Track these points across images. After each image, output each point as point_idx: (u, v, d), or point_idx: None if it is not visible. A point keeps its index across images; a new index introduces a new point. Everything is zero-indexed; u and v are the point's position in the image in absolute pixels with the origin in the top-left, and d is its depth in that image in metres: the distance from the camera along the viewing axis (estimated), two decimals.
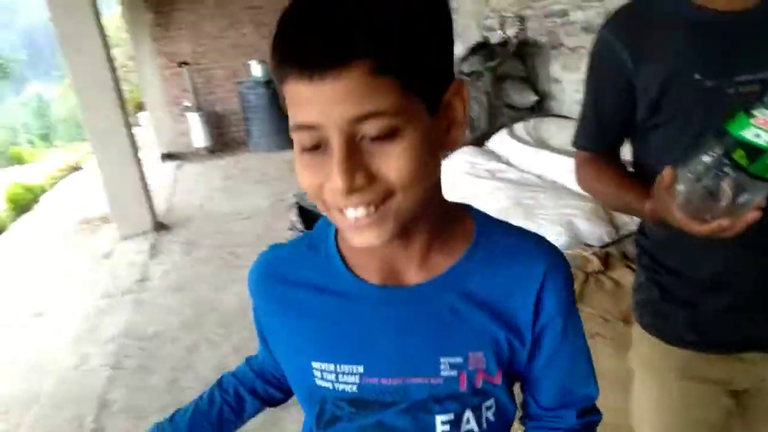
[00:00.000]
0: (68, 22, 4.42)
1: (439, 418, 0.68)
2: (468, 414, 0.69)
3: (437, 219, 0.67)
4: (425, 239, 0.67)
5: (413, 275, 0.68)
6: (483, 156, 3.48)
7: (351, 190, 0.55)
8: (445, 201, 0.69)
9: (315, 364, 0.70)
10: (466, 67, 4.20)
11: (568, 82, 3.89)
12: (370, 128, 0.54)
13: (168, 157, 8.40)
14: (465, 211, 0.72)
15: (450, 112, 0.61)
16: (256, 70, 7.99)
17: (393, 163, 0.56)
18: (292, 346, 0.74)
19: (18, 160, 14.10)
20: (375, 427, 0.70)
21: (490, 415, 0.71)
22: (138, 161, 5.03)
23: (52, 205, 7.57)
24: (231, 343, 3.12)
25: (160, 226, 5.28)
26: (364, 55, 0.52)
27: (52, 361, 3.22)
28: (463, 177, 3.29)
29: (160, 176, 7.17)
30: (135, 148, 5.01)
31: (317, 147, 0.56)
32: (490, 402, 0.70)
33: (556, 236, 2.43)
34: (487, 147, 3.71)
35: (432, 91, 0.59)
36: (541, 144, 3.29)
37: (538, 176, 3.03)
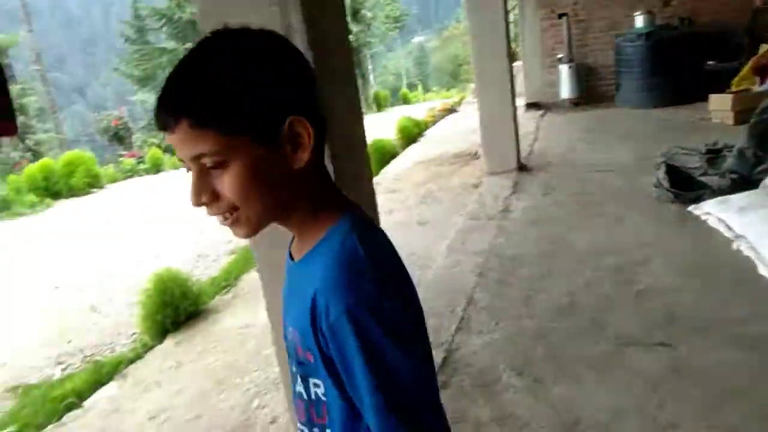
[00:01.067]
0: None
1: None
2: (300, 380, 0.85)
3: (304, 217, 0.82)
4: (297, 230, 0.85)
5: (298, 255, 0.85)
6: None
7: (197, 204, 0.76)
8: (319, 204, 0.82)
9: None
10: None
11: None
12: (206, 162, 0.73)
13: (532, 105, 8.80)
14: (337, 216, 0.81)
15: (293, 139, 0.75)
16: (639, 21, 7.63)
17: (226, 185, 0.74)
18: None
19: (405, 101, 16.52)
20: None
21: (319, 392, 0.82)
22: (514, 106, 5.49)
23: (432, 138, 8.81)
24: (583, 279, 3.31)
25: (522, 167, 5.71)
26: (185, 114, 0.71)
27: (432, 259, 3.93)
28: None
29: (524, 123, 7.60)
30: (513, 93, 5.46)
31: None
32: (317, 381, 0.81)
33: None
34: None
35: (259, 129, 0.73)
36: None
37: None
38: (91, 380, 3.11)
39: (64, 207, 8.90)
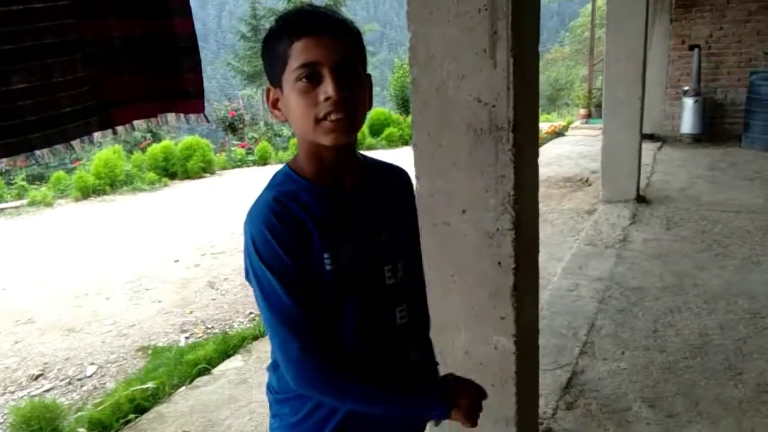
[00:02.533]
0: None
1: None
2: None
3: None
4: (351, 158, 1.07)
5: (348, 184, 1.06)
6: None
7: (340, 94, 0.92)
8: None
9: None
10: None
11: None
12: (352, 70, 0.96)
13: (648, 136, 8.46)
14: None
15: (371, 89, 1.04)
16: None
17: (356, 90, 0.97)
18: None
19: None
20: None
21: None
22: (640, 135, 5.32)
23: (540, 160, 8.65)
24: (716, 320, 3.17)
25: (641, 199, 5.52)
26: (354, 36, 1.00)
27: (546, 279, 3.88)
28: None
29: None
30: (641, 122, 5.30)
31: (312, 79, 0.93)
32: None
33: None
34: None
35: (364, 67, 1.03)
36: None
37: None
38: (220, 350, 3.31)
39: (180, 187, 9.49)
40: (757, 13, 7.73)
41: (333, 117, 0.93)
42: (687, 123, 8.12)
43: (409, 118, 13.44)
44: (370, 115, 12.75)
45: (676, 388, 2.58)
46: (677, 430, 2.31)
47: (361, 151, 1.12)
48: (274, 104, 1.02)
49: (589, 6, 17.61)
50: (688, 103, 8.02)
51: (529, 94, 1.81)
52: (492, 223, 1.77)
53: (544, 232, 5.15)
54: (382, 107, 14.52)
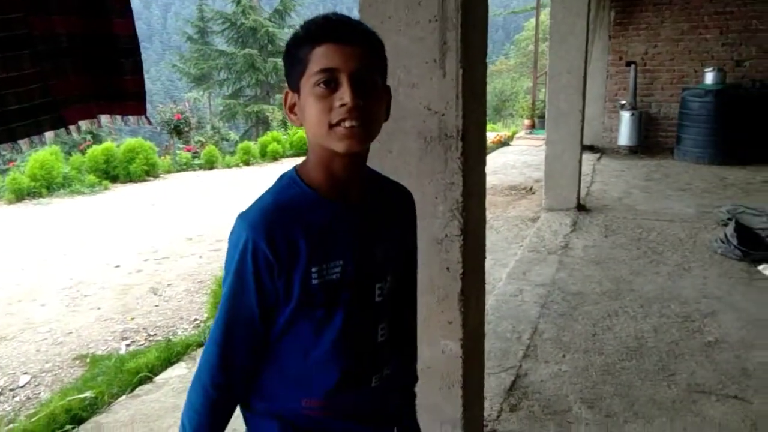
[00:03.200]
0: (563, 14, 5.11)
1: None
2: None
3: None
4: (360, 169, 1.05)
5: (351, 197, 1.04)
6: None
7: (357, 102, 0.92)
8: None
9: None
10: None
11: None
12: (371, 77, 0.96)
13: (588, 148, 8.79)
14: None
15: (389, 100, 1.04)
16: (709, 77, 7.63)
17: (374, 99, 0.96)
18: None
19: None
20: None
21: None
22: (581, 146, 5.53)
23: (486, 169, 8.85)
24: (650, 323, 3.32)
25: (581, 207, 5.73)
26: (377, 45, 0.99)
27: (491, 284, 3.97)
28: None
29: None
30: (582, 133, 5.51)
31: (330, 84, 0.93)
32: None
33: None
34: None
35: (385, 80, 1.03)
36: None
37: None
38: (163, 358, 3.22)
39: (121, 191, 9.19)
40: (688, 33, 8.19)
41: (347, 124, 0.93)
42: (624, 135, 8.50)
43: None
44: None
45: (614, 389, 2.69)
46: (615, 429, 2.40)
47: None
48: (291, 108, 1.02)
49: (533, 20, 18.17)
50: (625, 116, 8.40)
51: (477, 103, 1.87)
52: (441, 229, 1.81)
53: (490, 239, 5.26)
54: None
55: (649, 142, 8.65)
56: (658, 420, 2.45)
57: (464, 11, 1.65)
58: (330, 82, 0.93)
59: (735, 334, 3.16)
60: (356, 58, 0.94)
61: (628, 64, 8.39)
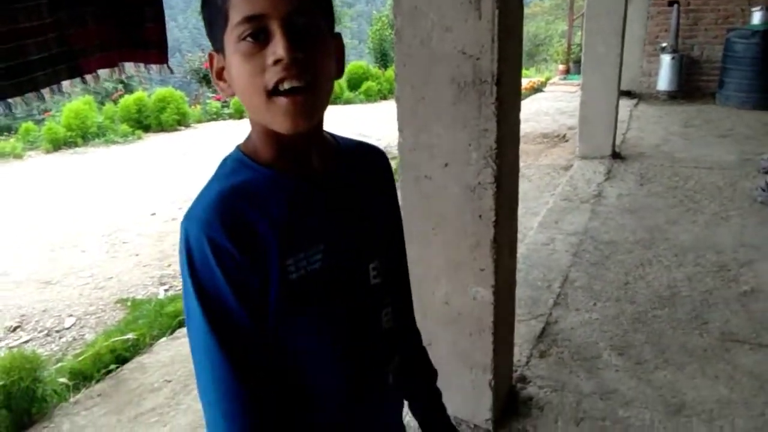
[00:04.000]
0: None
1: None
2: None
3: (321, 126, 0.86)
4: (318, 137, 0.86)
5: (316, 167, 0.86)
6: None
7: (293, 56, 0.71)
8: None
9: None
10: None
11: None
12: (310, 23, 0.74)
13: (625, 93, 8.50)
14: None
15: (340, 51, 0.83)
16: (756, 17, 7.23)
17: (318, 51, 0.75)
18: None
19: None
20: None
21: None
22: (618, 92, 5.35)
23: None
24: (684, 272, 3.28)
25: (616, 155, 5.60)
26: None
27: (522, 233, 3.94)
28: None
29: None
30: (619, 78, 5.32)
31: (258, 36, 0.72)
32: None
33: None
34: None
35: (333, 25, 0.81)
36: None
37: None
38: None
39: (153, 140, 9.30)
40: None
41: (287, 85, 0.71)
42: (663, 80, 8.18)
43: (388, 72, 13.15)
44: (348, 68, 12.54)
45: (645, 337, 2.69)
46: (645, 376, 2.42)
47: (328, 130, 0.89)
48: (219, 75, 0.79)
49: None
50: (666, 59, 8.05)
51: (513, 47, 1.81)
52: (474, 176, 1.79)
53: (522, 187, 5.15)
54: (360, 60, 14.26)
55: (690, 86, 8.31)
56: (689, 367, 2.46)
57: None
58: (258, 33, 0.71)
59: None
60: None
61: (671, 3, 7.96)
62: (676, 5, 7.88)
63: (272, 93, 0.73)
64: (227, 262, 0.72)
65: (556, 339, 2.71)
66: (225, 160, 0.84)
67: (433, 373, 1.10)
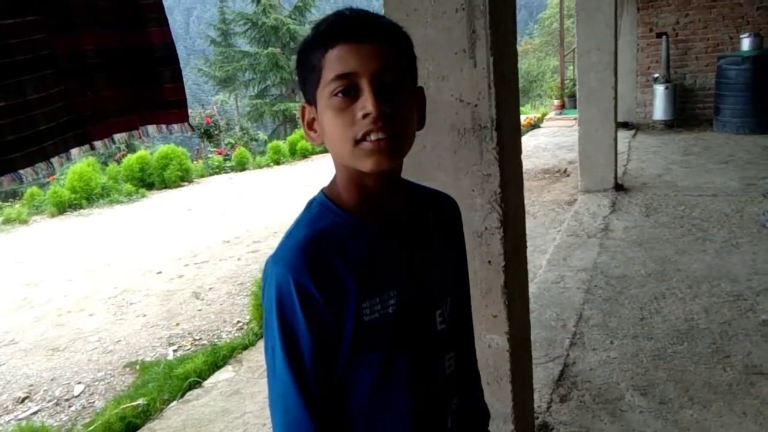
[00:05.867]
0: None
1: None
2: None
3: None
4: (395, 183, 0.90)
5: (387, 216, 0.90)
6: None
7: (381, 111, 0.78)
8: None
9: None
10: None
11: None
12: (395, 78, 0.81)
13: (622, 125, 8.57)
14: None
15: (421, 104, 0.90)
16: (745, 44, 7.34)
17: (403, 104, 0.82)
18: None
19: None
20: None
21: None
22: (615, 124, 5.39)
23: None
24: (700, 304, 3.22)
25: (619, 187, 5.59)
26: (399, 41, 0.84)
27: (531, 272, 3.90)
28: None
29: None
30: (616, 110, 5.37)
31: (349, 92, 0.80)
32: None
33: None
34: None
35: (414, 79, 0.89)
36: None
37: None
38: (210, 362, 3.27)
39: (157, 197, 9.37)
40: None
41: (373, 137, 0.79)
42: (659, 109, 8.26)
43: None
44: None
45: (666, 374, 2.62)
46: (670, 416, 2.34)
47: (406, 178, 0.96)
48: (310, 125, 0.88)
49: None
50: (659, 89, 8.15)
51: (510, 91, 1.82)
52: (480, 222, 1.78)
53: (527, 225, 5.16)
54: None
55: (686, 114, 8.38)
56: (715, 404, 2.38)
57: None
58: (349, 89, 0.79)
59: None
60: (377, 57, 0.79)
61: (659, 35, 8.11)
62: (664, 36, 8.03)
63: (359, 141, 0.80)
64: (309, 304, 0.80)
65: (575, 381, 2.63)
66: (310, 204, 0.90)
67: (487, 415, 1.16)
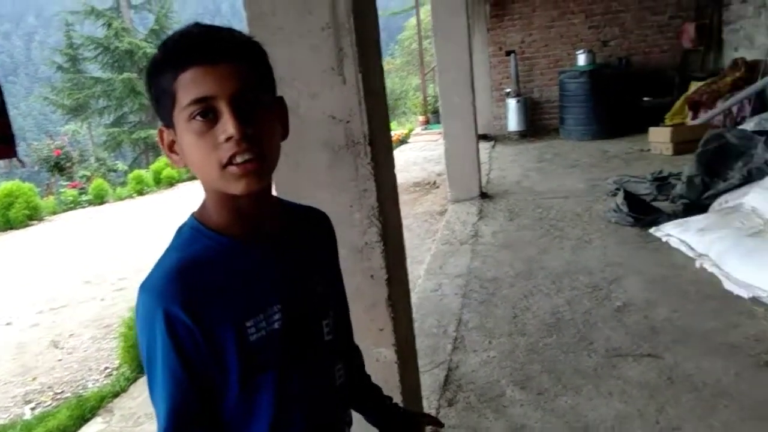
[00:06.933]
0: (445, 14, 5.26)
1: None
2: None
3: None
4: (267, 203, 0.90)
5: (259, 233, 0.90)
6: None
7: (243, 133, 0.77)
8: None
9: None
10: None
11: None
12: (254, 98, 0.80)
13: (482, 137, 9.13)
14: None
15: (283, 116, 0.89)
16: (581, 59, 8.16)
17: (266, 123, 0.82)
18: None
19: None
20: None
21: None
22: (477, 137, 5.73)
23: None
24: (564, 297, 3.48)
25: (484, 195, 5.94)
26: (252, 58, 0.82)
27: (411, 282, 4.00)
28: None
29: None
30: (476, 124, 5.71)
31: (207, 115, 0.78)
32: None
33: None
34: None
35: (272, 91, 0.87)
36: None
37: None
38: (75, 416, 2.96)
39: (1, 240, 8.40)
40: (558, 19, 8.73)
41: (239, 159, 0.77)
42: (513, 121, 8.91)
43: None
44: None
45: (541, 366, 2.79)
46: (547, 405, 2.49)
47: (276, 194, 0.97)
48: (171, 147, 0.85)
49: (412, 19, 18.64)
50: (512, 103, 8.81)
51: (380, 107, 1.86)
52: (360, 237, 1.78)
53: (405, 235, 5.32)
54: None
55: (536, 125, 9.13)
56: (585, 389, 2.57)
57: (356, 16, 1.64)
58: (207, 113, 0.77)
59: (639, 296, 3.38)
60: (233, 78, 0.77)
61: (508, 53, 8.80)
62: (513, 55, 8.71)
63: (226, 165, 0.78)
64: (182, 333, 0.78)
65: (460, 384, 2.72)
66: (180, 230, 0.87)
67: (379, 389, 1.21)
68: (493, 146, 8.74)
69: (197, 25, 0.81)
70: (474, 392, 2.64)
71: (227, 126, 0.77)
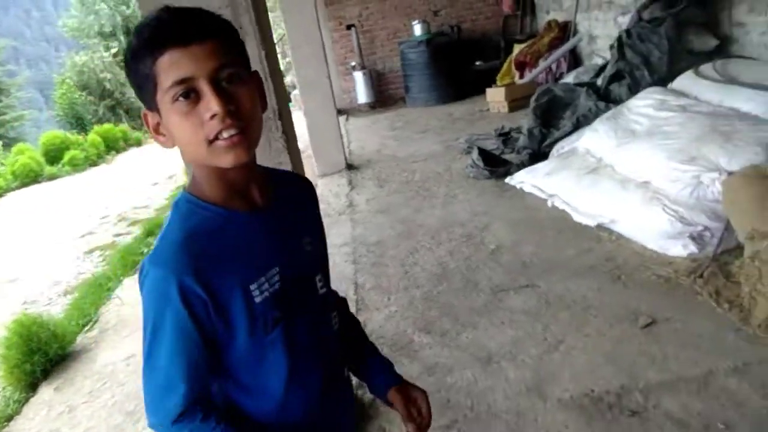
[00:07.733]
0: None
1: None
2: None
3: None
4: (253, 173, 0.97)
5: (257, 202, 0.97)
6: (670, 94, 3.83)
7: (226, 111, 0.81)
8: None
9: None
10: (647, 15, 4.49)
11: (754, 25, 4.07)
12: (232, 73, 0.84)
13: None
14: None
15: (261, 89, 0.94)
16: (417, 29, 8.58)
17: (247, 98, 0.86)
18: None
19: None
20: None
21: None
22: (335, 110, 5.86)
23: None
24: (444, 249, 3.79)
25: (350, 166, 6.12)
26: (225, 35, 0.86)
27: None
28: (650, 112, 3.68)
29: None
30: (333, 98, 5.83)
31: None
32: None
33: (753, 155, 2.80)
34: (672, 87, 4.04)
35: (247, 65, 0.91)
36: (732, 80, 3.58)
37: (731, 108, 3.35)
38: None
39: None
40: None
41: (225, 135, 0.82)
42: (362, 94, 9.17)
43: (90, 137, 11.89)
44: (42, 141, 11.15)
45: (439, 311, 3.06)
46: (452, 343, 2.76)
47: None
48: (156, 129, 0.89)
49: None
50: (359, 76, 9.04)
51: (281, 83, 1.92)
52: None
53: None
54: (54, 130, 12.68)
55: (384, 95, 9.47)
56: (481, 323, 2.88)
57: None
58: (189, 93, 0.81)
59: (507, 237, 3.79)
60: (210, 57, 0.81)
61: (348, 27, 8.98)
62: (353, 29, 8.91)
63: (212, 141, 0.84)
64: (194, 302, 0.85)
65: (372, 339, 2.89)
66: (177, 204, 0.93)
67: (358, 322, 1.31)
68: (347, 119, 8.94)
69: (167, 9, 0.83)
70: (386, 344, 2.83)
71: (211, 104, 0.81)
